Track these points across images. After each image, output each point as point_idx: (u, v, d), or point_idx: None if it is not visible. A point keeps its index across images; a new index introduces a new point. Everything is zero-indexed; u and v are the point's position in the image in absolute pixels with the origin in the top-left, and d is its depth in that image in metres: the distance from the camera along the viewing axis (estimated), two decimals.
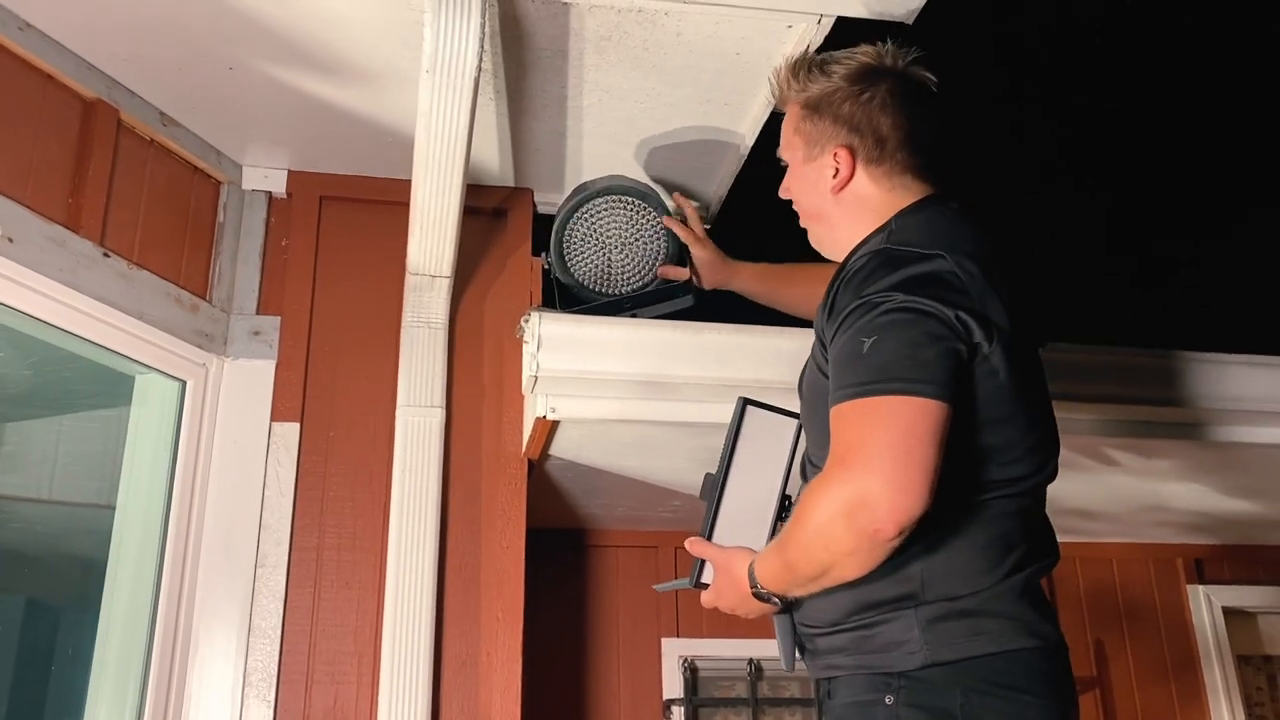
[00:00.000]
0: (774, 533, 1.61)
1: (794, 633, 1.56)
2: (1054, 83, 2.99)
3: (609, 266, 2.27)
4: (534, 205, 2.52)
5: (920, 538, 1.31)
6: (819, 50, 1.89)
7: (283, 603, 2.10)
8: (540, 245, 2.47)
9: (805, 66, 1.65)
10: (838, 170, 1.58)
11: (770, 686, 3.09)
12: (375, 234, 2.41)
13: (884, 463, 1.24)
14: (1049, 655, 1.40)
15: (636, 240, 2.28)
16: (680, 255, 2.26)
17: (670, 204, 2.35)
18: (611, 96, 2.16)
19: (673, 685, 2.98)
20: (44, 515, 2.52)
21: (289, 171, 2.39)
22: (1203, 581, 3.41)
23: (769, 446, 1.63)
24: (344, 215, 2.41)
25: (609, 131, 2.30)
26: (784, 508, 1.64)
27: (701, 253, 2.22)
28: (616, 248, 2.27)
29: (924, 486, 1.24)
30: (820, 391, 1.46)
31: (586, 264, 2.27)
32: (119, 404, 2.38)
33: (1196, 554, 3.44)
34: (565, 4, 1.85)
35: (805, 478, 1.59)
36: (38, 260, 1.82)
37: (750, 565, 1.47)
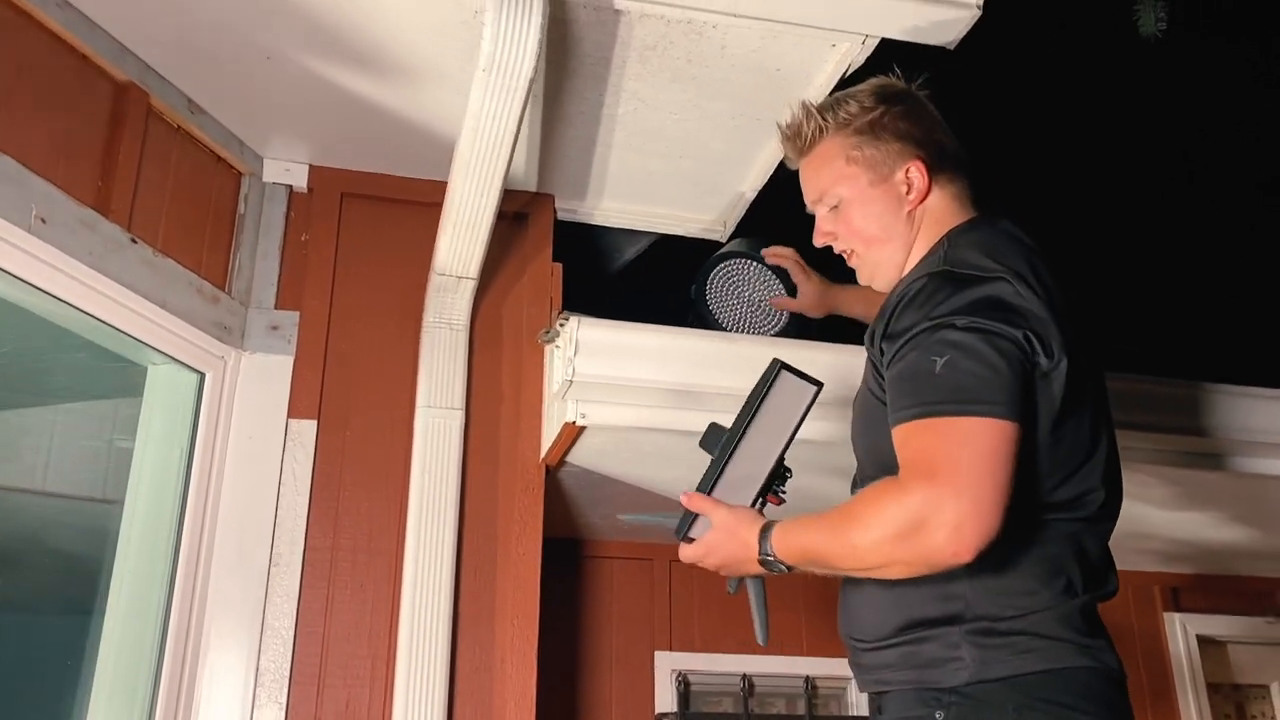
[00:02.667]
0: (760, 496, 1.59)
1: (766, 602, 1.60)
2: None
3: (751, 321, 2.34)
4: (555, 211, 2.52)
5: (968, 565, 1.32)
6: (852, 77, 1.94)
7: (296, 603, 2.06)
8: (559, 253, 2.47)
9: (829, 104, 1.63)
10: (910, 185, 1.56)
11: (759, 703, 3.10)
12: (396, 232, 2.39)
13: (974, 487, 1.24)
14: (1104, 677, 1.39)
15: (758, 291, 2.34)
16: (793, 290, 2.29)
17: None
18: (646, 106, 2.17)
19: (665, 699, 2.97)
20: (34, 506, 2.45)
21: (310, 166, 2.37)
22: (1179, 610, 3.49)
23: (785, 411, 1.60)
24: (365, 212, 2.39)
25: (638, 142, 2.31)
26: (776, 475, 1.62)
27: (807, 285, 2.22)
28: (747, 304, 2.34)
29: (1002, 510, 1.25)
30: (875, 414, 1.47)
31: (734, 325, 2.33)
32: (120, 394, 2.33)
33: (1174, 582, 3.51)
34: (617, 11, 1.86)
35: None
36: (68, 243, 1.77)
37: (764, 532, 1.45)
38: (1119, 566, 3.46)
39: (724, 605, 3.14)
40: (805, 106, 1.64)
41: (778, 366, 1.59)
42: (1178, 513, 2.82)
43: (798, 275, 2.25)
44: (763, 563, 1.46)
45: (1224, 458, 2.38)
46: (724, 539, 1.52)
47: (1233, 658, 3.62)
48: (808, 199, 1.67)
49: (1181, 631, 3.45)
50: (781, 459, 1.62)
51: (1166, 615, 3.47)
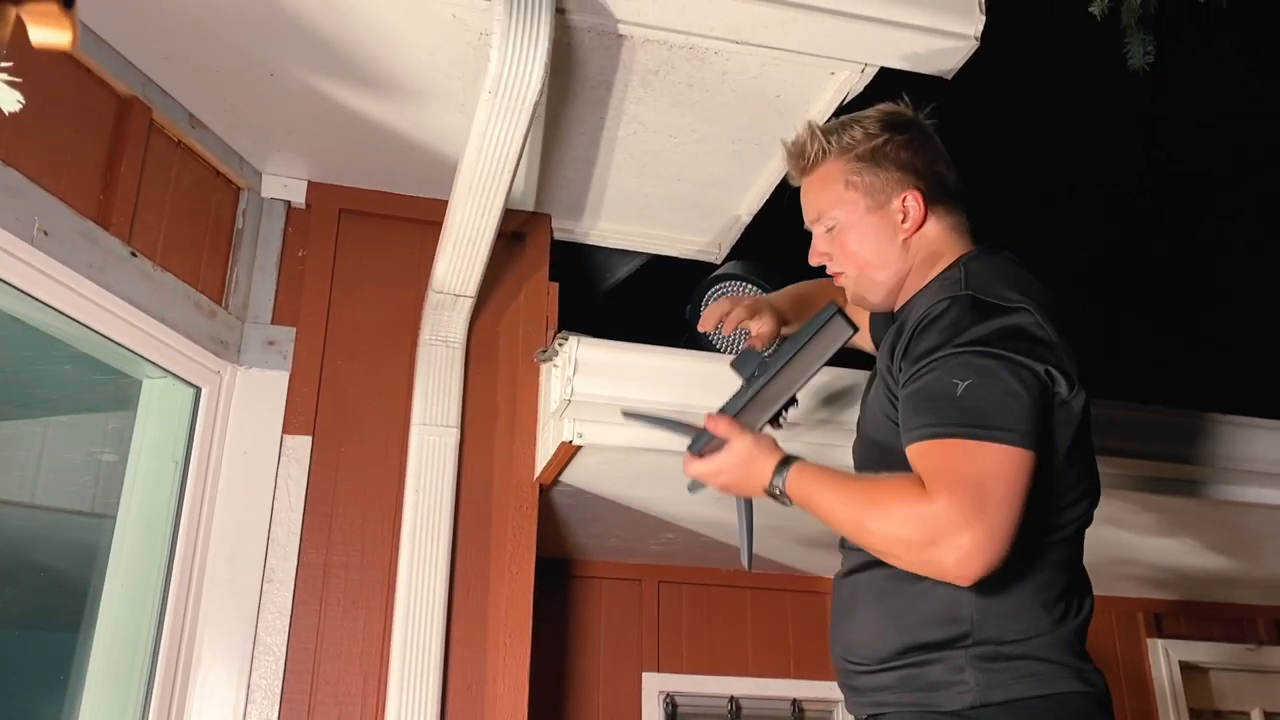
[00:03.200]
0: (777, 414, 1.66)
1: (752, 527, 1.60)
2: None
3: (745, 342, 2.21)
4: (551, 231, 2.53)
5: (975, 586, 1.34)
6: (852, 103, 1.96)
7: (289, 619, 2.06)
8: (555, 272, 2.48)
9: (835, 127, 1.64)
10: (906, 215, 1.58)
11: None
12: (393, 249, 2.39)
13: (993, 516, 1.26)
14: (1096, 700, 1.41)
15: None
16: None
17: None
18: (646, 130, 2.19)
19: None
20: (23, 519, 2.43)
21: (309, 182, 2.38)
22: (1161, 635, 3.51)
23: (820, 349, 1.62)
24: (362, 229, 2.40)
25: (636, 165, 2.33)
26: (786, 407, 1.68)
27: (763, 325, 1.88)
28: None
29: (1012, 541, 1.27)
30: (882, 429, 1.49)
31: (728, 346, 2.31)
32: (112, 408, 2.31)
33: (1157, 609, 3.54)
34: (620, 36, 1.88)
35: None
36: (70, 255, 1.77)
37: (782, 466, 1.46)
38: (1104, 592, 3.51)
39: (712, 627, 3.15)
40: (811, 127, 1.65)
41: (833, 309, 1.60)
42: (1160, 539, 2.85)
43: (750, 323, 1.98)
44: (768, 491, 1.47)
45: (1202, 484, 2.40)
46: (738, 464, 1.51)
47: (1214, 684, 3.64)
48: (806, 218, 1.68)
49: (1164, 657, 3.47)
50: (795, 395, 1.66)
51: (1150, 641, 3.49)
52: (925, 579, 1.37)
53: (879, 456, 1.51)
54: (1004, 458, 1.29)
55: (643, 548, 2.93)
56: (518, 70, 1.72)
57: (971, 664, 1.37)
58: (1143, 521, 2.63)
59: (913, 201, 1.58)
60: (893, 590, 1.45)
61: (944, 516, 1.27)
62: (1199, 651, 3.56)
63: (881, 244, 1.59)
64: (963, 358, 1.35)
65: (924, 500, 1.30)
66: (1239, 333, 3.46)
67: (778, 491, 1.46)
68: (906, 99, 1.69)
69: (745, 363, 1.61)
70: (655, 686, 3.00)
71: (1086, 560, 3.09)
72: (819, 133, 1.63)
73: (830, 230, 1.63)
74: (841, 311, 1.59)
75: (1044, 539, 1.43)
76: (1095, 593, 3.49)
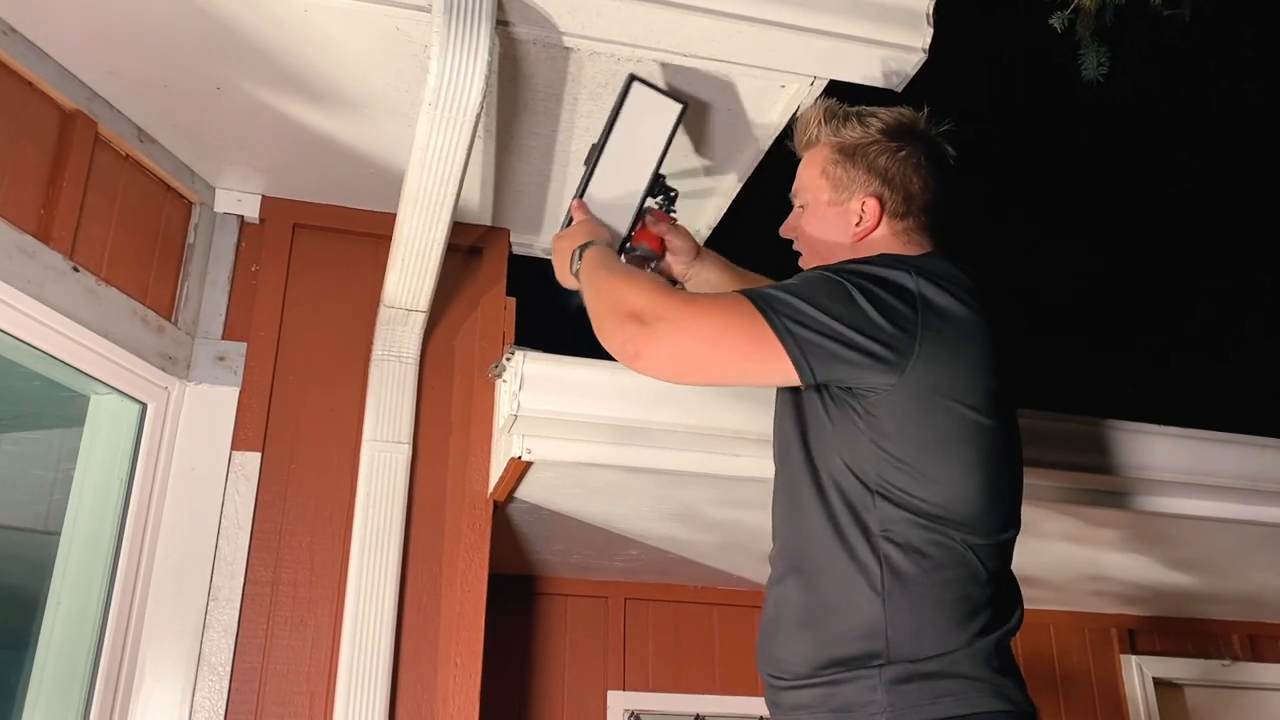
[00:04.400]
0: (638, 215, 1.84)
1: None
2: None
3: None
4: (510, 245, 2.52)
5: (885, 592, 1.35)
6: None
7: (234, 638, 2.03)
8: (516, 287, 2.47)
9: (840, 114, 1.68)
10: (861, 218, 1.60)
11: None
12: (347, 264, 2.38)
13: (698, 342, 1.44)
14: (1015, 719, 1.38)
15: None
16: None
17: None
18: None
19: None
20: None
21: (263, 196, 2.36)
22: (1135, 652, 3.49)
23: (649, 130, 1.76)
24: (316, 243, 2.38)
25: None
26: (654, 193, 1.83)
27: (677, 241, 1.96)
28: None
29: (692, 373, 1.50)
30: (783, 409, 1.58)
31: None
32: (62, 424, 2.29)
33: (1130, 625, 3.52)
34: (566, 49, 1.87)
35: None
36: (6, 270, 1.75)
37: (584, 248, 1.67)
38: (1075, 608, 3.50)
39: (679, 644, 3.12)
40: (821, 109, 1.70)
41: (629, 80, 1.75)
42: (1123, 555, 2.83)
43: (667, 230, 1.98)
44: (573, 271, 1.68)
45: (1129, 496, 2.37)
46: (565, 236, 1.75)
47: (1189, 700, 3.62)
48: (792, 189, 1.74)
49: (1138, 674, 3.45)
50: (656, 179, 1.80)
51: (1123, 657, 3.48)
52: (842, 591, 1.38)
53: (784, 447, 1.55)
54: (751, 323, 1.40)
55: (607, 564, 2.91)
56: (458, 82, 1.71)
57: (885, 685, 1.35)
58: (1103, 537, 2.62)
59: (870, 207, 1.60)
60: (810, 603, 1.44)
61: (664, 312, 1.43)
62: (1173, 668, 3.54)
63: (832, 238, 1.63)
64: (807, 273, 1.48)
65: (666, 298, 1.45)
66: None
67: (574, 269, 1.66)
68: (925, 113, 1.70)
69: (589, 155, 1.83)
70: (620, 704, 2.97)
71: (1054, 576, 3.09)
72: (822, 118, 1.69)
73: (801, 209, 1.70)
74: (644, 81, 1.74)
75: (948, 545, 1.40)
76: (1064, 608, 3.51)
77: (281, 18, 1.79)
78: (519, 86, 1.98)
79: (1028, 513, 2.38)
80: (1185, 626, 3.58)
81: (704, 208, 2.42)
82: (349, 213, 2.40)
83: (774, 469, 1.61)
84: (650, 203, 1.86)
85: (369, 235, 2.37)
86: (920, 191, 1.61)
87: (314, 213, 2.38)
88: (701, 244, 2.06)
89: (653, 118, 1.76)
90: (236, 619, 2.04)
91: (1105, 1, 2.44)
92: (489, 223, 2.48)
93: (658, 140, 1.77)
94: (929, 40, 1.87)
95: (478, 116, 1.76)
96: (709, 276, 1.97)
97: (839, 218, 1.63)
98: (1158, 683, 3.47)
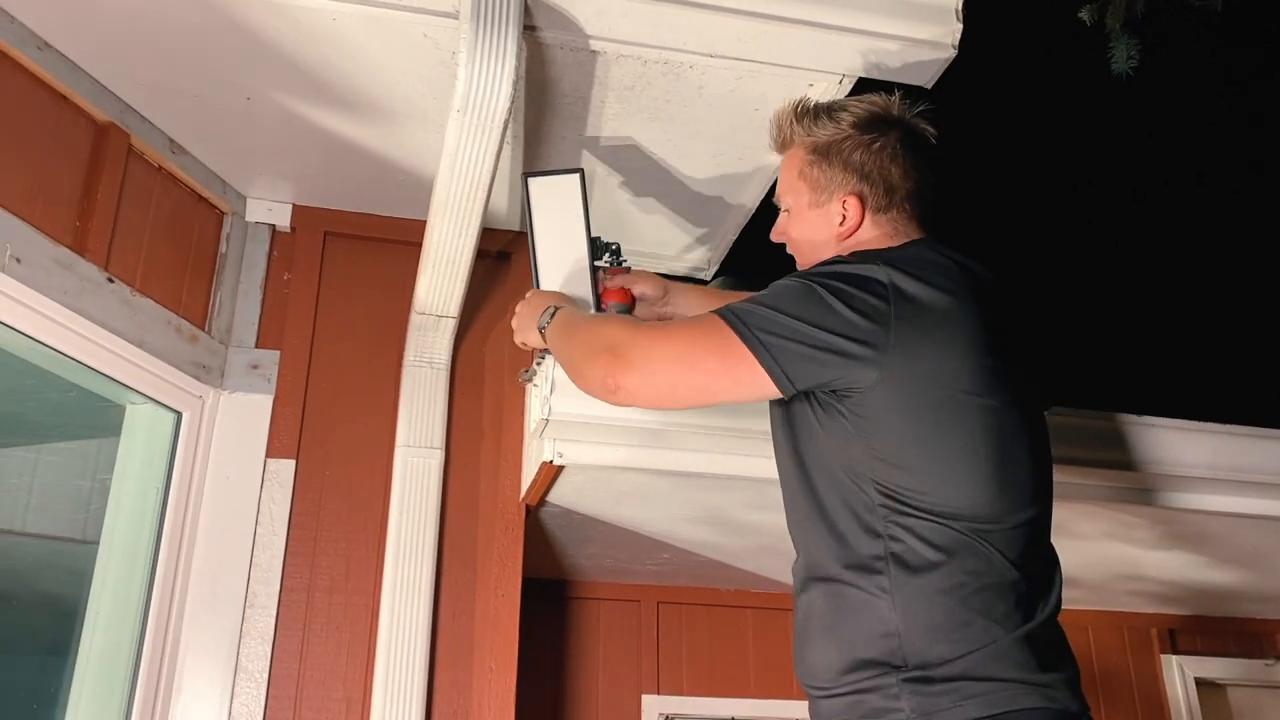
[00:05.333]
0: (594, 271, 1.91)
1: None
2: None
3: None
4: None
5: (894, 593, 1.34)
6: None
7: (271, 645, 2.04)
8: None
9: (812, 111, 1.65)
10: (845, 218, 1.58)
11: None
12: (378, 272, 2.39)
13: (666, 369, 1.48)
14: (1059, 717, 1.33)
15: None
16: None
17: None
18: (626, 145, 2.18)
19: None
20: (15, 548, 2.43)
21: (294, 205, 2.37)
22: (1176, 651, 3.44)
23: (564, 209, 1.90)
24: (348, 252, 2.39)
25: (618, 180, 2.31)
26: (598, 254, 1.92)
27: (641, 286, 1.95)
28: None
29: (669, 399, 1.53)
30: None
31: None
32: (101, 434, 2.31)
33: (1170, 624, 3.47)
34: (593, 52, 1.87)
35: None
36: (44, 282, 1.77)
37: (551, 311, 1.71)
38: (1113, 608, 3.45)
39: (713, 648, 3.11)
40: (791, 108, 1.67)
41: (524, 178, 1.90)
42: (1163, 553, 2.79)
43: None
44: (540, 328, 1.72)
45: (1172, 494, 2.33)
46: (528, 303, 1.82)
47: (1233, 701, 3.56)
48: (776, 192, 1.74)
49: (1179, 674, 3.40)
50: (593, 242, 1.91)
51: (1164, 658, 3.43)
52: (856, 596, 1.37)
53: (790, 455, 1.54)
54: (720, 338, 1.41)
55: (640, 568, 2.90)
56: (486, 88, 1.71)
57: (907, 690, 1.32)
58: (1140, 536, 2.58)
59: (851, 206, 1.59)
60: (833, 608, 1.42)
61: (635, 340, 1.47)
62: (1215, 668, 3.49)
63: (818, 240, 1.62)
64: (778, 282, 1.46)
65: (636, 329, 1.51)
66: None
67: (542, 326, 1.71)
68: (897, 97, 1.67)
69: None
70: (655, 708, 2.97)
71: (1091, 575, 3.05)
72: (794, 117, 1.67)
73: (786, 212, 1.69)
74: (536, 173, 1.89)
75: (958, 537, 1.36)
76: (1102, 608, 3.46)
77: (310, 27, 1.81)
78: (546, 91, 1.98)
79: (1061, 512, 2.36)
80: (1227, 626, 3.52)
81: (732, 207, 2.41)
82: (379, 220, 2.41)
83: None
84: (599, 263, 1.94)
85: (400, 242, 2.38)
86: (901, 180, 1.59)
87: (345, 220, 2.40)
88: (731, 240, 2.06)
89: (561, 196, 1.90)
90: (273, 626, 2.05)
91: None
92: (517, 228, 2.48)
93: (575, 211, 1.91)
94: (959, 36, 1.85)
95: (506, 122, 1.77)
96: (688, 305, 1.96)
97: (822, 219, 1.61)
98: (1199, 683, 3.42)
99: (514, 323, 1.84)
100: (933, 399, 1.38)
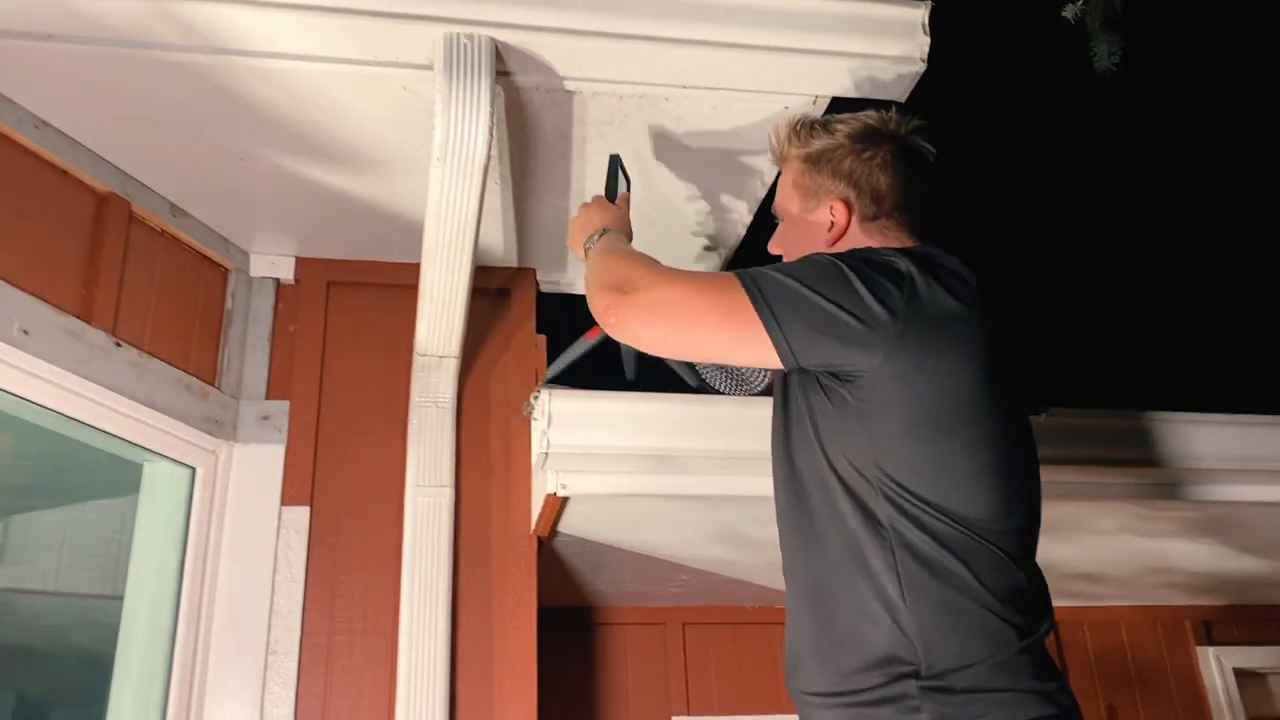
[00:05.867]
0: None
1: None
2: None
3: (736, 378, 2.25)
4: (537, 284, 2.56)
5: (905, 584, 1.34)
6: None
7: (294, 690, 2.08)
8: (546, 324, 2.51)
9: (808, 124, 1.71)
10: (833, 223, 1.62)
11: None
12: (382, 317, 2.44)
13: (674, 313, 1.47)
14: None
15: None
16: None
17: None
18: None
19: None
20: (50, 608, 2.50)
21: (296, 258, 2.44)
22: (1212, 643, 3.40)
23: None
24: (351, 299, 2.45)
25: None
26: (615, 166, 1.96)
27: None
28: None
29: (661, 341, 1.54)
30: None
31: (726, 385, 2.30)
32: (126, 492, 2.38)
33: (1205, 615, 3.43)
34: (569, 92, 1.91)
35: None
36: (52, 352, 1.83)
37: (602, 231, 1.76)
38: (1144, 602, 3.42)
39: (742, 666, 3.12)
40: (789, 123, 1.73)
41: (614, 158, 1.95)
42: (1192, 544, 2.77)
43: None
44: (585, 246, 1.77)
45: (1196, 486, 2.32)
46: (590, 210, 1.85)
47: (1275, 690, 3.51)
48: (773, 206, 1.78)
49: (1217, 666, 3.36)
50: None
51: (1200, 650, 3.39)
52: (867, 585, 1.37)
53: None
54: (729, 295, 1.42)
55: (661, 590, 2.93)
56: (463, 135, 1.76)
57: (926, 697, 1.31)
58: (1162, 529, 2.57)
59: (838, 211, 1.62)
60: (837, 605, 1.41)
61: (645, 281, 1.49)
62: (1254, 657, 3.44)
63: (809, 245, 1.64)
64: (810, 254, 1.51)
65: (651, 269, 1.53)
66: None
67: (588, 245, 1.75)
68: (894, 112, 1.71)
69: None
70: None
71: (1118, 570, 3.03)
72: (791, 130, 1.72)
73: (782, 222, 1.74)
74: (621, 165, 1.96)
75: (962, 539, 1.36)
76: (1134, 602, 3.43)
77: (294, 89, 1.86)
78: (528, 131, 2.03)
79: (1079, 510, 2.37)
80: (1264, 614, 3.48)
81: (726, 226, 2.44)
82: (379, 266, 2.47)
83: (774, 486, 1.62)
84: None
85: (400, 286, 2.43)
86: (889, 190, 1.62)
87: (346, 269, 2.46)
88: (728, 257, 2.07)
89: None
90: (295, 671, 2.10)
91: None
92: (515, 264, 2.53)
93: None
94: (926, 49, 1.87)
95: (485, 167, 1.81)
96: None
97: (812, 225, 1.65)
98: (1238, 673, 3.38)
99: (570, 224, 1.88)
100: (943, 404, 1.40)
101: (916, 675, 1.32)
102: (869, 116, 1.69)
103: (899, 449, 1.38)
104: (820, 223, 1.64)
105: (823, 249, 1.61)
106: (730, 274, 1.46)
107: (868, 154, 1.64)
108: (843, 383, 1.42)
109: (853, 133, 1.66)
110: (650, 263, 1.57)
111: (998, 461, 1.42)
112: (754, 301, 1.41)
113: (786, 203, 1.71)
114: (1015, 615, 1.36)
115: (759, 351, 1.42)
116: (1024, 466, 1.49)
